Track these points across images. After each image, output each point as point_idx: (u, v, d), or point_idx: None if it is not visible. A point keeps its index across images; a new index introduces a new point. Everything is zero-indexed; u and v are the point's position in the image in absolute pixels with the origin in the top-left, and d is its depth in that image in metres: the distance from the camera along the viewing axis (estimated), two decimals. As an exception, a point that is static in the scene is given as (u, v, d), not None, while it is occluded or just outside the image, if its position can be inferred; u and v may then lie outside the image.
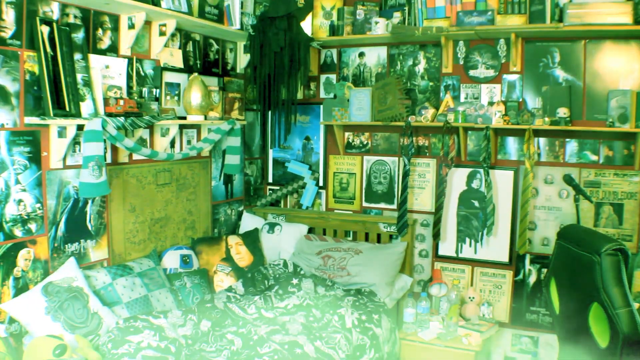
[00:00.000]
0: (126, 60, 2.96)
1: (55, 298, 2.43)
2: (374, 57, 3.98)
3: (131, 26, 2.90)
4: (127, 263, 2.95)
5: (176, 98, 3.32)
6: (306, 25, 3.89)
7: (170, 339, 2.55)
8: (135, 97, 2.96)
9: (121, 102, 2.79)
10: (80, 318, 2.46)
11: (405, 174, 3.74)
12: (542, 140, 3.56)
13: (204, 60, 3.58)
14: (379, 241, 3.93)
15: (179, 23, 3.13)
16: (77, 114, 2.57)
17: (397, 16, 3.75)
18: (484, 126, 3.49)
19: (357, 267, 3.59)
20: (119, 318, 2.60)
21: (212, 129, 3.46)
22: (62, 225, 2.67)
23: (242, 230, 4.02)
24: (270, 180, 4.39)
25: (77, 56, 2.63)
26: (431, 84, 3.82)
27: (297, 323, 2.90)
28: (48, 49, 2.46)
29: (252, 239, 3.79)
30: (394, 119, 3.69)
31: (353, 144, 4.10)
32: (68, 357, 2.19)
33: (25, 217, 2.49)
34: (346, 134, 4.10)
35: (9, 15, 2.36)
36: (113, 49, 2.89)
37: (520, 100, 3.57)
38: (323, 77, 4.15)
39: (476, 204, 3.73)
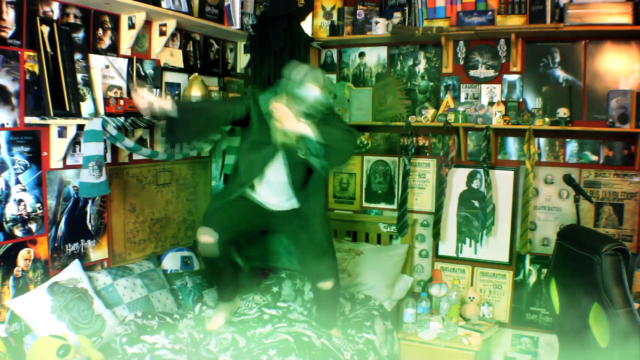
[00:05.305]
0: (126, 60, 2.95)
1: (61, 298, 2.44)
2: (374, 57, 3.98)
3: (131, 26, 2.89)
4: (127, 265, 2.95)
5: (176, 98, 3.32)
6: (306, 25, 3.88)
7: (182, 338, 2.56)
8: (136, 97, 2.96)
9: (121, 102, 2.79)
10: (84, 319, 2.47)
11: (406, 174, 3.74)
12: (542, 141, 3.56)
13: (204, 60, 3.58)
14: (379, 241, 3.93)
15: (179, 23, 3.13)
16: (77, 114, 2.57)
17: (397, 16, 3.75)
18: (484, 126, 3.49)
19: (357, 268, 3.59)
20: (131, 314, 2.65)
21: (212, 129, 3.46)
22: (62, 225, 2.66)
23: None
24: (270, 180, 4.38)
25: (77, 56, 2.64)
26: (431, 84, 3.82)
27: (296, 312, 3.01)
28: (48, 49, 2.46)
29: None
30: (394, 119, 3.69)
31: (353, 144, 4.09)
32: (71, 357, 2.20)
33: (26, 217, 2.49)
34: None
35: (9, 15, 2.36)
36: (113, 49, 2.89)
37: (521, 100, 3.56)
38: (323, 77, 4.14)
39: (476, 204, 3.72)
